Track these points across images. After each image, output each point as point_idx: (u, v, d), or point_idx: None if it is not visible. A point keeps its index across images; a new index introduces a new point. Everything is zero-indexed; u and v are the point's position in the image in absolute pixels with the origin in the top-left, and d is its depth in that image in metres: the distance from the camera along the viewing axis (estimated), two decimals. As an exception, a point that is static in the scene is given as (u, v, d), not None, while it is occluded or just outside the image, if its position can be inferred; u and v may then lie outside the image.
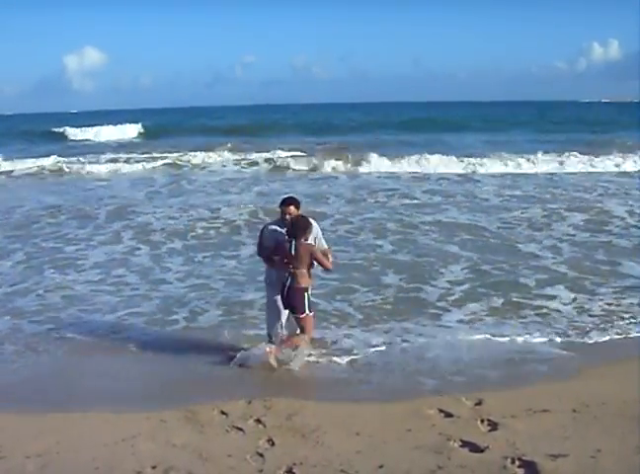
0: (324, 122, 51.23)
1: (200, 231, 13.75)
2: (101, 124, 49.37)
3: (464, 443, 4.76)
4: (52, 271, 10.83)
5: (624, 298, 8.78)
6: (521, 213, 15.04)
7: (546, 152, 26.12)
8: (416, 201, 17.18)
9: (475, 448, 4.68)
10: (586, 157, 25.32)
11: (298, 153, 28.99)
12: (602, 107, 77.79)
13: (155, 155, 30.03)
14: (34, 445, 4.86)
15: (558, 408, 5.36)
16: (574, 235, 12.82)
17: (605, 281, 9.60)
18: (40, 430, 5.19)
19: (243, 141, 34.81)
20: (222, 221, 14.62)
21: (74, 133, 47.26)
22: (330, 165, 25.08)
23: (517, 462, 4.43)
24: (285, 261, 6.56)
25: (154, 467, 4.50)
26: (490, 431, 5.01)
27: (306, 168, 25.19)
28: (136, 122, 49.98)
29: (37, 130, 48.09)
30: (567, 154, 25.67)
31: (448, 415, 5.33)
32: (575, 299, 8.81)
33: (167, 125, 52.35)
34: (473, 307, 8.57)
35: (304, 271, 6.59)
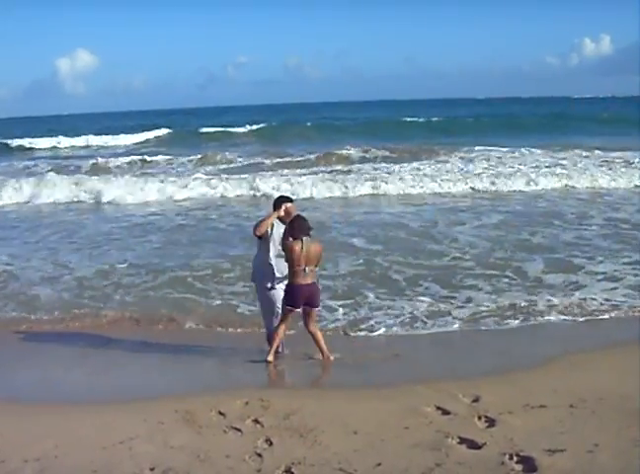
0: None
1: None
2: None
3: (462, 440, 4.76)
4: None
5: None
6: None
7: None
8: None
9: (473, 445, 4.68)
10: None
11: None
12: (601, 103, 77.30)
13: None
14: (32, 449, 4.86)
15: (555, 403, 5.37)
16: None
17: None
18: (38, 433, 5.18)
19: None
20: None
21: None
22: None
23: (514, 458, 4.44)
24: (297, 259, 6.56)
25: (152, 469, 4.50)
26: (487, 427, 5.01)
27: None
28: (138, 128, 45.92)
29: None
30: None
31: (446, 412, 5.33)
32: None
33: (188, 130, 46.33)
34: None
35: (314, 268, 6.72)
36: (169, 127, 46.00)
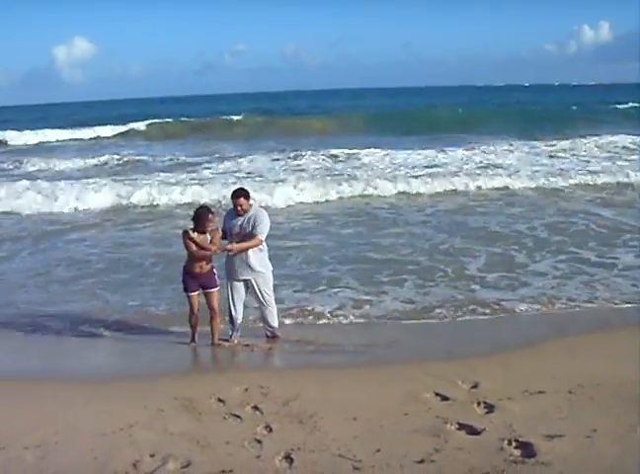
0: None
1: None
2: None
3: (461, 426, 4.79)
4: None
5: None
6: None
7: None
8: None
9: (472, 431, 4.71)
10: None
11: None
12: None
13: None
14: (32, 436, 4.86)
15: (553, 389, 5.40)
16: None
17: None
18: (39, 420, 5.18)
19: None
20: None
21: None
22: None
23: (513, 443, 4.48)
24: None
25: (152, 456, 4.51)
26: (486, 413, 5.04)
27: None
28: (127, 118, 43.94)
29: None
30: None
31: (445, 398, 5.36)
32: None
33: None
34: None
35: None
36: (157, 117, 43.96)
